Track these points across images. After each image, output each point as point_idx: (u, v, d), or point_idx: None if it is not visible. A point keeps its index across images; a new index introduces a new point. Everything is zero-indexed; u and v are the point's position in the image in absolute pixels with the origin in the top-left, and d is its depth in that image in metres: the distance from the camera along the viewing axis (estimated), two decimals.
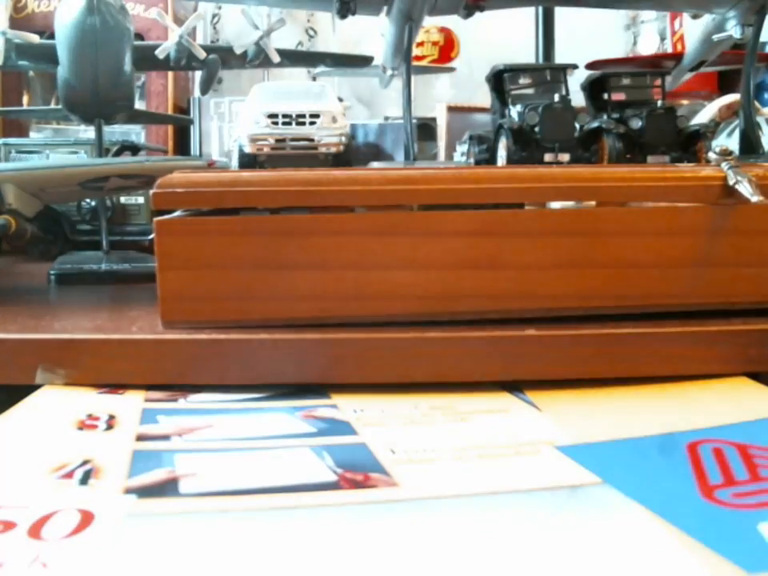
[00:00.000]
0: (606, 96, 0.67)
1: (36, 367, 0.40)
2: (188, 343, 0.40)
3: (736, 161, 0.44)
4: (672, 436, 0.32)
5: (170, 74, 1.13)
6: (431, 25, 1.33)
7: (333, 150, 0.67)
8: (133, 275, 0.64)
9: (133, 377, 0.40)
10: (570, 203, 0.46)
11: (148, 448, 0.32)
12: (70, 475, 0.28)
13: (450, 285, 0.42)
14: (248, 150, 0.66)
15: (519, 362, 0.40)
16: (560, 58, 1.07)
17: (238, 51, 0.75)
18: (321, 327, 0.41)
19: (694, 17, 0.81)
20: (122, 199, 0.81)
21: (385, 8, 0.72)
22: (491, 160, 0.67)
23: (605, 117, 0.65)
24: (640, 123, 0.62)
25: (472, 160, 0.70)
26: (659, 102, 0.65)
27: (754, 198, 0.40)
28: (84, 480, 0.28)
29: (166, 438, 0.33)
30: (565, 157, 0.62)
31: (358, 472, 0.29)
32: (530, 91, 0.67)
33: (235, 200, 0.43)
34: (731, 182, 0.42)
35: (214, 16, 1.35)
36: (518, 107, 0.65)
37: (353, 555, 0.22)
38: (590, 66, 0.89)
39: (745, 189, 0.41)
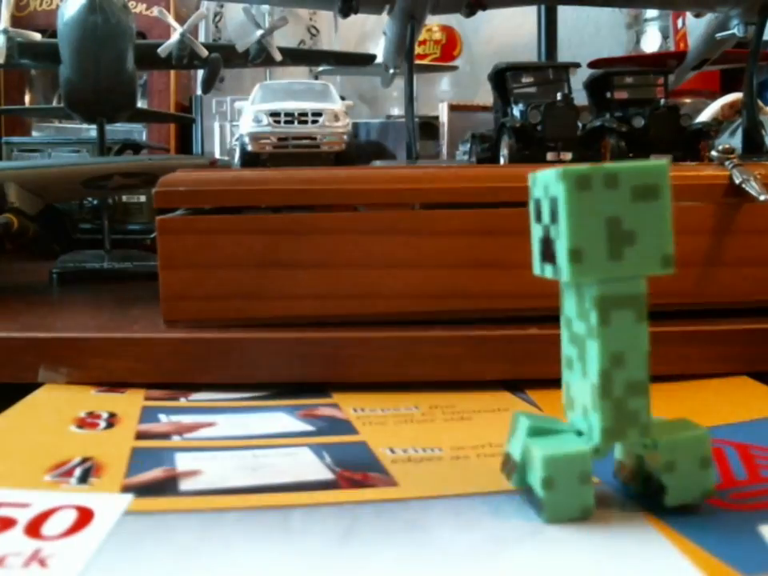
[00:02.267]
0: (608, 95, 0.67)
1: (38, 366, 0.40)
2: (189, 342, 0.40)
3: (739, 159, 0.44)
4: None
5: (172, 72, 1.13)
6: (433, 23, 1.33)
7: (335, 148, 0.67)
8: (134, 274, 0.64)
9: (134, 375, 0.40)
10: None
11: (148, 446, 0.32)
12: (69, 473, 0.28)
13: (452, 284, 0.42)
14: (250, 148, 0.66)
15: (521, 361, 0.40)
16: (562, 56, 1.07)
17: (240, 50, 0.75)
18: (322, 326, 0.41)
19: (697, 15, 0.81)
20: (124, 198, 0.81)
21: (387, 6, 0.72)
22: (493, 159, 0.67)
23: (607, 115, 0.65)
24: (643, 122, 0.62)
25: (474, 159, 0.70)
26: (662, 101, 0.65)
27: (762, 197, 0.40)
28: (83, 478, 0.28)
29: (166, 436, 0.33)
30: (567, 156, 0.62)
31: (357, 471, 0.29)
32: (532, 90, 0.66)
33: (237, 199, 0.43)
34: (737, 181, 0.42)
35: (216, 14, 1.35)
36: (521, 106, 0.65)
37: (351, 555, 0.22)
38: (592, 65, 0.89)
39: (752, 188, 0.41)
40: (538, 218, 0.24)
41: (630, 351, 0.24)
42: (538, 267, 0.25)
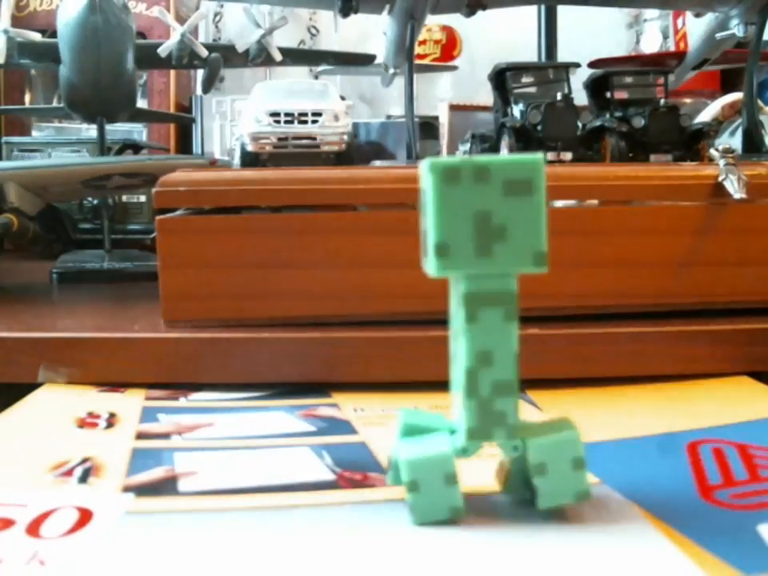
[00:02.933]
0: (608, 94, 0.67)
1: (38, 366, 0.40)
2: (189, 342, 0.40)
3: (736, 159, 0.44)
4: (672, 436, 0.32)
5: (172, 72, 1.13)
6: (433, 23, 1.33)
7: (335, 148, 0.67)
8: (134, 274, 0.64)
9: (134, 375, 0.40)
10: (572, 202, 0.46)
11: (148, 446, 0.32)
12: (69, 473, 0.28)
13: (446, 283, 0.42)
14: (250, 148, 0.66)
15: (521, 360, 0.40)
16: (562, 56, 1.07)
17: (240, 50, 0.75)
18: (322, 326, 0.41)
19: (697, 15, 0.81)
20: (124, 198, 0.81)
21: (387, 6, 0.72)
22: None
23: (607, 115, 0.65)
24: (643, 122, 0.62)
25: None
26: (662, 101, 0.65)
27: (737, 195, 0.41)
28: (83, 478, 0.28)
29: (165, 436, 0.33)
30: (567, 156, 0.62)
31: (357, 471, 0.29)
32: (532, 90, 0.66)
33: (237, 199, 0.43)
34: (720, 178, 0.42)
35: (215, 14, 1.35)
36: (521, 106, 0.65)
37: (350, 554, 0.22)
38: (592, 65, 0.89)
39: (730, 185, 0.41)
40: (422, 212, 0.24)
41: (498, 351, 0.23)
42: (422, 261, 0.24)
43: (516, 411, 0.24)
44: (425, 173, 0.22)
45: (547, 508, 0.24)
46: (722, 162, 0.42)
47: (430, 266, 0.22)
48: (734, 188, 0.41)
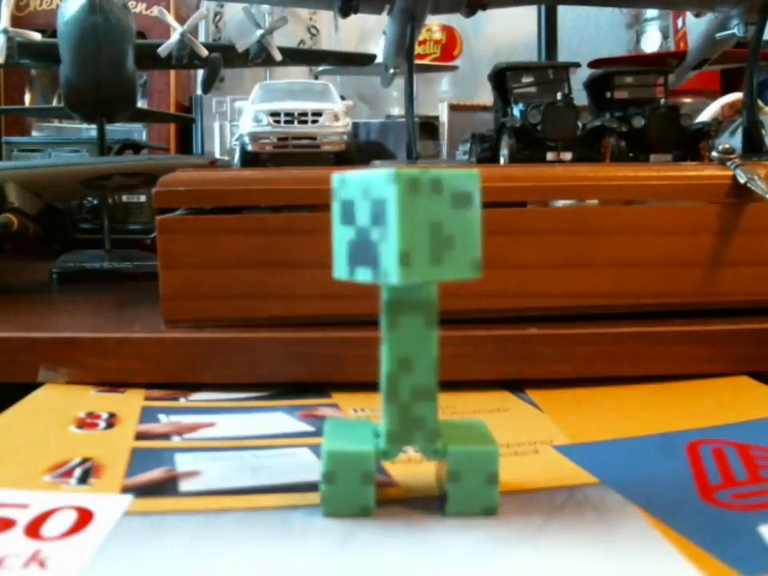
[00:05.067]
0: (608, 94, 0.67)
1: (38, 365, 0.40)
2: (189, 342, 0.40)
3: (740, 159, 0.44)
4: (672, 436, 0.32)
5: (172, 72, 1.13)
6: (433, 23, 1.32)
7: (335, 148, 0.67)
8: (135, 274, 0.64)
9: (134, 375, 0.40)
10: (572, 202, 0.46)
11: (148, 447, 0.32)
12: (69, 474, 0.28)
13: (452, 283, 0.42)
14: (250, 148, 0.66)
15: (521, 361, 0.40)
16: (562, 56, 1.07)
17: (240, 49, 0.75)
18: (322, 326, 0.41)
19: (697, 15, 0.81)
20: (124, 198, 0.81)
21: (387, 6, 0.72)
22: (493, 159, 0.67)
23: (607, 115, 0.65)
24: (643, 122, 0.62)
25: (474, 159, 0.70)
26: (662, 101, 0.65)
27: None
28: (83, 479, 0.28)
29: (165, 436, 0.33)
30: (567, 155, 0.62)
31: None
32: (532, 90, 0.66)
33: (237, 198, 0.43)
34: (742, 181, 0.42)
35: (216, 14, 1.35)
36: (521, 106, 0.65)
37: (351, 555, 0.22)
38: (592, 65, 0.89)
39: (758, 187, 0.41)
40: (349, 221, 0.24)
41: (418, 357, 0.24)
42: (344, 271, 0.24)
43: (435, 416, 0.24)
44: (383, 183, 0.22)
45: (454, 514, 0.25)
46: (731, 165, 0.42)
47: (393, 275, 0.22)
48: (763, 189, 0.40)
